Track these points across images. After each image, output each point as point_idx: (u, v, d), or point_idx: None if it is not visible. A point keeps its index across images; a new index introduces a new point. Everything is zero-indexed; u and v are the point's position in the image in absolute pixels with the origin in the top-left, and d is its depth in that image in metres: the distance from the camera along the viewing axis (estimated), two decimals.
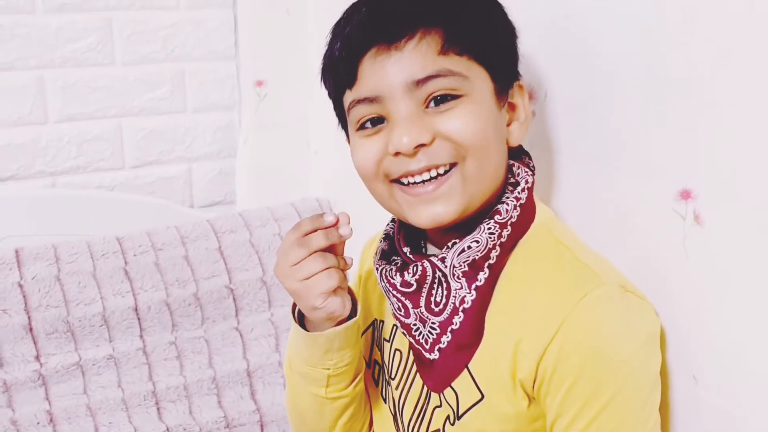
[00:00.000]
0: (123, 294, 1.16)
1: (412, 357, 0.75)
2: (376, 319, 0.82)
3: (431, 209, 0.68)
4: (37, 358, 1.12)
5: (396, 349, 0.78)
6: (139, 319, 1.17)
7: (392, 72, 0.65)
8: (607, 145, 0.76)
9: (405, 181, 0.69)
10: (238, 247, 1.25)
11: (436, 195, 0.67)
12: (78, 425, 1.12)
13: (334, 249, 0.72)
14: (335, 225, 0.70)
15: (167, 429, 1.15)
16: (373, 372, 0.82)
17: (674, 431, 0.72)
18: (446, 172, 0.67)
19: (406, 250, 0.73)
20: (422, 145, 0.66)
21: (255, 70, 1.35)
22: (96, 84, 1.31)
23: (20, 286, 1.12)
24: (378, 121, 0.68)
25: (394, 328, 0.78)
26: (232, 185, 1.44)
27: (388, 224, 0.77)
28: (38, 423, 1.10)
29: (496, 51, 0.69)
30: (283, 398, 1.20)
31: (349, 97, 0.69)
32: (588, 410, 0.64)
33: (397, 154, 0.67)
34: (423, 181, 0.68)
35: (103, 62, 1.30)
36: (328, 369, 0.76)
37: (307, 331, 0.75)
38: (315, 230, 0.70)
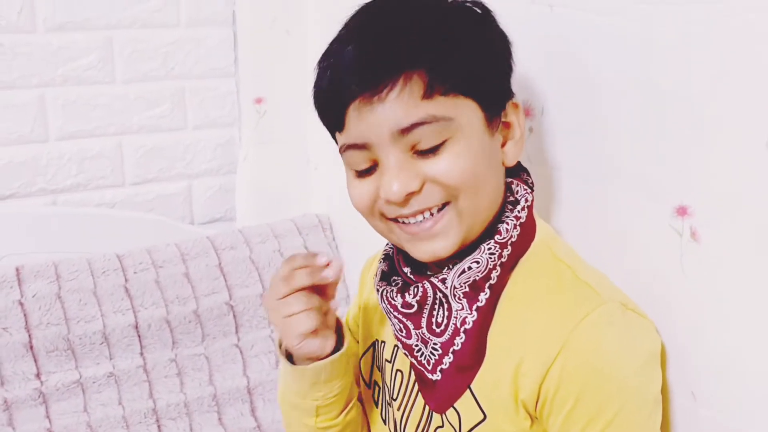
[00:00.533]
0: (123, 311, 1.16)
1: (413, 377, 0.75)
2: (377, 340, 0.82)
3: (430, 246, 0.68)
4: (38, 376, 1.11)
5: (397, 370, 0.77)
6: (139, 336, 1.17)
7: (376, 122, 0.65)
8: (604, 160, 0.76)
9: (400, 220, 0.69)
10: (239, 264, 1.25)
11: (434, 232, 0.67)
12: None
13: (324, 292, 0.71)
14: (326, 266, 0.69)
15: None
16: (374, 393, 0.82)
17: None
18: (440, 209, 0.67)
19: (406, 270, 0.72)
20: (412, 193, 0.66)
21: (254, 88, 1.36)
22: (96, 102, 1.31)
23: (21, 304, 1.12)
24: (371, 167, 0.68)
25: (396, 348, 0.78)
26: (232, 202, 1.44)
27: (387, 244, 0.77)
28: None
29: (485, 80, 0.68)
30: None
31: (339, 139, 0.69)
32: (591, 430, 0.64)
33: (388, 201, 0.67)
34: (418, 221, 0.68)
35: (103, 80, 1.31)
36: (317, 400, 0.76)
37: (294, 362, 0.75)
38: (306, 267, 0.69)
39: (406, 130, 0.65)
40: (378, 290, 0.72)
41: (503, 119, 0.71)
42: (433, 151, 0.65)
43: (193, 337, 1.20)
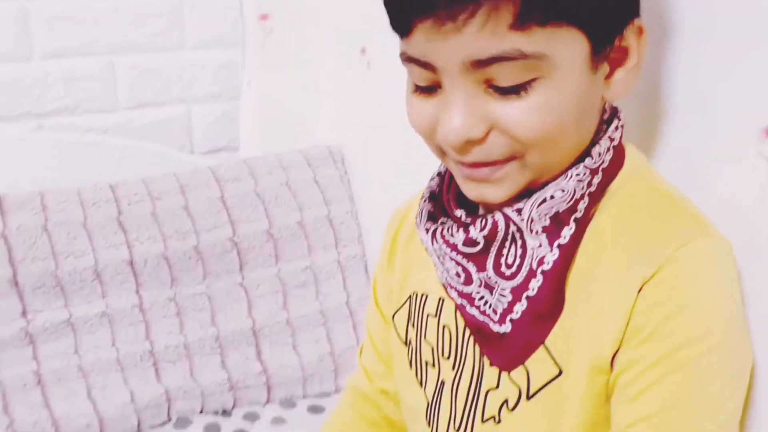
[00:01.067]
0: (117, 246, 1.11)
1: (464, 333, 0.66)
2: (415, 293, 0.72)
3: (479, 190, 0.59)
4: (24, 314, 1.07)
5: (444, 326, 0.68)
6: (134, 273, 1.12)
7: (446, 49, 0.54)
8: (679, 77, 0.65)
9: None
10: (243, 197, 1.20)
11: (488, 177, 0.58)
12: (68, 387, 1.07)
13: None
14: None
15: (166, 391, 1.10)
16: (407, 352, 0.73)
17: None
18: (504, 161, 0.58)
19: (459, 213, 0.63)
20: (473, 141, 0.56)
21: (259, 3, 1.28)
22: (84, 16, 1.24)
23: (4, 236, 1.07)
24: (433, 86, 0.58)
25: (441, 301, 0.68)
26: (235, 130, 1.39)
27: (429, 185, 0.68)
28: (25, 385, 1.05)
29: (599, 1, 0.54)
30: (291, 359, 1.15)
31: (402, 45, 0.58)
32: (654, 371, 0.55)
33: (444, 142, 0.57)
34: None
35: None
36: None
37: None
38: None
39: (481, 63, 0.53)
40: (427, 231, 0.63)
41: (621, 43, 0.59)
42: (514, 91, 0.54)
43: (194, 274, 1.15)
